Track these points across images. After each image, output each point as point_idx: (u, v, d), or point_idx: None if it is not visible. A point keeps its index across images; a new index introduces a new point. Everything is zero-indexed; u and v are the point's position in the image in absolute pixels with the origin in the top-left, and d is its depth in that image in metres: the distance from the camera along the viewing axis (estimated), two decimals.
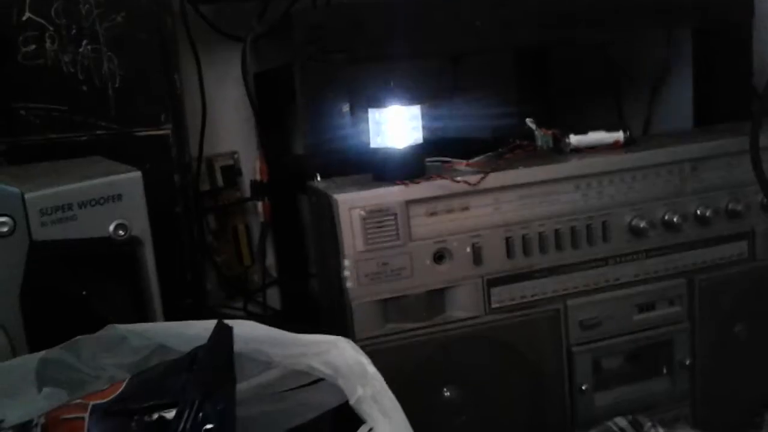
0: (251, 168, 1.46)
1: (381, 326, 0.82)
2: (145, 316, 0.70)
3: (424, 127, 0.86)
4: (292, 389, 0.55)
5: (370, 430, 0.46)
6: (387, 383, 0.81)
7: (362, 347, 0.80)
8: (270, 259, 1.50)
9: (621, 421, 0.86)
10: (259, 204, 1.41)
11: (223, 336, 0.49)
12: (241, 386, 0.53)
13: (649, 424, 0.84)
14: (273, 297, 1.51)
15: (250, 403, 0.53)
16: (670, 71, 1.30)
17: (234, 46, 1.38)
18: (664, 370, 0.93)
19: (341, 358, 0.50)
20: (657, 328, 0.91)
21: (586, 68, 1.46)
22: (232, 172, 1.46)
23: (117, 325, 0.54)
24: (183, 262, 1.09)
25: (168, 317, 0.81)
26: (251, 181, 1.42)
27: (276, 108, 1.32)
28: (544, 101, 1.52)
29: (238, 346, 0.50)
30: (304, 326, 1.02)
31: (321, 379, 0.53)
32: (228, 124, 1.47)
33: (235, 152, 1.47)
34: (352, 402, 0.48)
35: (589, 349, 0.89)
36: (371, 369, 0.50)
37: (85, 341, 0.53)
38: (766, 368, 0.95)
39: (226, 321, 0.50)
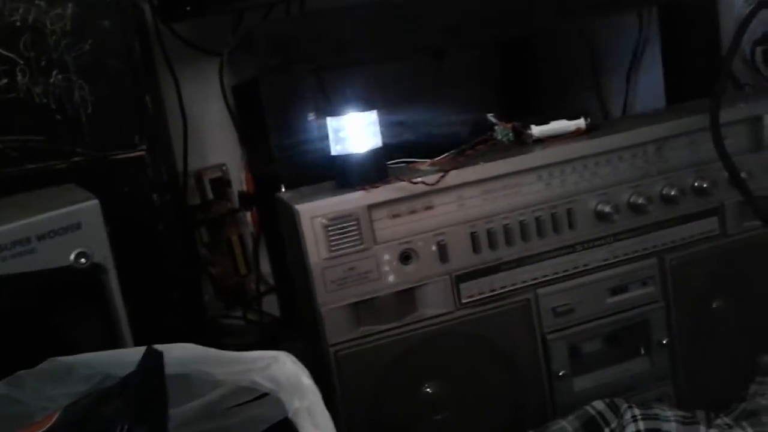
0: (239, 179, 1.48)
1: (354, 329, 0.84)
2: (115, 340, 0.72)
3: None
4: (240, 405, 0.57)
5: None
6: (365, 384, 0.83)
7: (336, 351, 0.83)
8: (266, 267, 1.52)
9: (599, 405, 0.86)
10: (248, 214, 1.43)
11: (152, 361, 0.51)
12: (191, 405, 0.55)
13: (626, 405, 0.85)
14: (273, 304, 1.53)
15: (201, 421, 0.55)
16: (643, 51, 1.29)
17: (214, 60, 1.40)
18: (642, 351, 0.94)
19: (282, 372, 0.52)
20: (631, 310, 0.92)
21: (565, 55, 1.47)
22: (222, 184, 1.49)
23: (58, 358, 0.56)
24: (170, 279, 1.11)
25: (155, 337, 0.83)
26: (238, 191, 1.45)
27: (253, 119, 1.34)
28: (526, 91, 1.53)
29: (179, 369, 0.52)
30: (301, 331, 1.04)
31: (267, 394, 0.54)
32: (214, 136, 1.49)
33: (223, 164, 1.50)
34: (289, 415, 0.50)
35: (564, 336, 0.90)
36: (307, 382, 0.51)
37: (26, 375, 0.55)
38: (747, 342, 0.95)
39: (160, 346, 0.52)
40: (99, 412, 0.49)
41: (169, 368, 0.51)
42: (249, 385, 0.53)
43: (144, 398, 0.48)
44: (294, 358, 0.53)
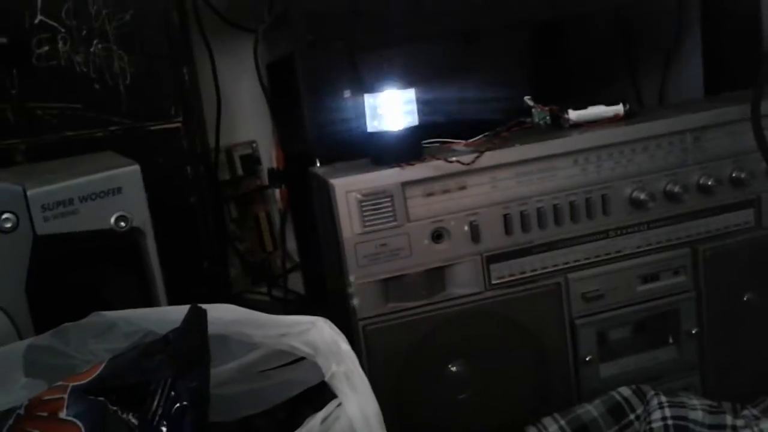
0: (269, 156, 1.49)
1: (383, 305, 0.84)
2: (150, 304, 0.74)
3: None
4: (275, 368, 0.58)
5: (339, 404, 0.48)
6: (392, 360, 0.84)
7: (365, 326, 0.84)
8: (292, 245, 1.53)
9: (625, 391, 0.86)
10: (277, 191, 1.44)
11: (196, 318, 0.52)
12: (228, 366, 0.56)
13: (652, 392, 0.85)
14: (298, 281, 1.54)
15: (237, 381, 0.56)
16: (681, 38, 1.27)
17: (249, 37, 1.41)
18: (671, 340, 0.93)
19: (319, 337, 0.52)
20: (662, 299, 0.92)
21: (600, 41, 1.45)
22: (251, 161, 1.50)
23: (102, 312, 0.57)
24: (200, 251, 1.12)
25: (186, 304, 0.85)
26: (268, 169, 1.45)
27: (287, 96, 1.34)
28: (559, 77, 1.52)
29: (220, 329, 0.53)
30: (323, 309, 1.05)
31: (303, 358, 0.55)
32: (246, 113, 1.50)
33: (253, 141, 1.51)
34: (326, 378, 0.51)
35: (593, 321, 0.90)
36: (345, 346, 0.52)
37: (72, 328, 0.56)
38: None
39: (203, 305, 0.53)
40: (143, 365, 0.50)
41: (210, 328, 0.52)
42: (286, 348, 0.54)
43: (187, 354, 0.49)
44: (331, 324, 0.54)
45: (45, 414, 0.48)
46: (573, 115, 0.92)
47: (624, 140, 0.88)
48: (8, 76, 1.01)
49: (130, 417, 0.48)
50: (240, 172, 1.49)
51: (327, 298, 1.00)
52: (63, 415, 0.48)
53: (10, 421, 0.48)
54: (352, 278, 0.83)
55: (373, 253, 0.83)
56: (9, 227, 0.64)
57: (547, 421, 0.86)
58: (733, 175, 0.91)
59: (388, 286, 0.84)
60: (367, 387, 0.49)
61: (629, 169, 0.89)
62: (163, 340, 0.51)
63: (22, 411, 0.49)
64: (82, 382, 0.50)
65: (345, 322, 0.86)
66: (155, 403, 0.47)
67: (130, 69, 1.05)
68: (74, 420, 0.47)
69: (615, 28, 1.36)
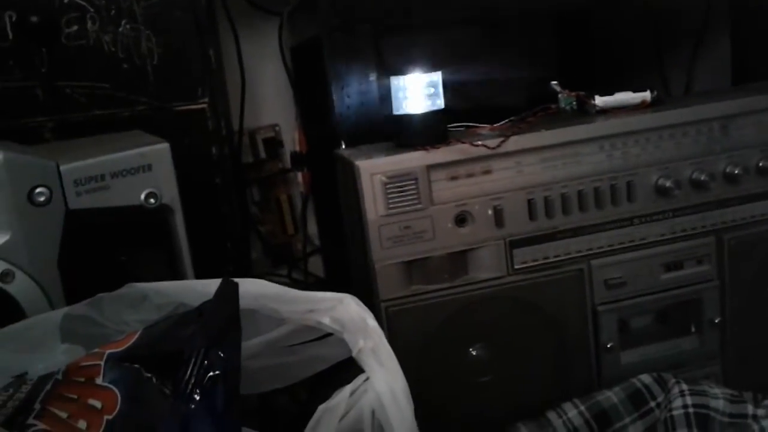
0: (292, 139, 1.50)
1: (405, 287, 0.85)
2: (177, 279, 0.74)
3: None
4: (302, 343, 0.59)
5: (367, 379, 0.49)
6: (414, 342, 0.85)
7: (387, 308, 0.84)
8: (313, 228, 1.54)
9: (646, 378, 0.86)
10: (299, 174, 1.45)
11: (228, 291, 0.53)
12: (256, 340, 0.57)
13: (674, 380, 0.85)
14: (318, 264, 1.55)
15: (264, 356, 0.57)
16: (709, 27, 1.26)
17: (273, 20, 1.41)
18: (693, 329, 0.93)
19: (346, 314, 0.53)
20: (685, 287, 0.92)
21: (628, 28, 1.44)
22: (274, 144, 1.50)
23: (136, 284, 0.59)
24: (224, 231, 1.13)
25: None
26: (291, 152, 1.46)
27: (312, 79, 1.34)
28: (586, 63, 1.51)
29: (249, 303, 0.54)
30: (343, 292, 1.06)
31: (330, 334, 0.56)
32: (270, 96, 1.50)
33: (276, 124, 1.51)
34: (354, 354, 0.51)
35: (615, 308, 0.90)
36: (372, 323, 0.52)
37: (107, 298, 0.58)
38: None
39: (234, 278, 0.54)
40: (177, 335, 0.51)
41: (239, 302, 0.53)
42: (313, 324, 0.55)
43: (220, 325, 0.50)
44: (358, 301, 0.55)
45: (82, 379, 0.49)
46: (599, 101, 0.92)
47: (650, 127, 0.88)
48: (38, 55, 1.02)
49: (164, 384, 0.49)
50: (263, 155, 1.50)
51: (347, 282, 1.01)
52: (99, 381, 0.49)
53: (48, 386, 0.49)
54: (375, 260, 0.83)
55: (397, 236, 0.83)
56: (42, 201, 0.65)
57: (567, 406, 0.86)
58: (760, 164, 0.91)
59: (411, 269, 0.85)
60: (394, 362, 0.49)
61: (655, 157, 0.89)
62: (196, 311, 0.52)
63: (59, 376, 0.50)
64: (118, 349, 0.51)
65: (368, 303, 0.86)
66: (189, 372, 0.48)
67: (158, 50, 1.06)
68: (110, 386, 0.48)
69: (643, 15, 1.35)
